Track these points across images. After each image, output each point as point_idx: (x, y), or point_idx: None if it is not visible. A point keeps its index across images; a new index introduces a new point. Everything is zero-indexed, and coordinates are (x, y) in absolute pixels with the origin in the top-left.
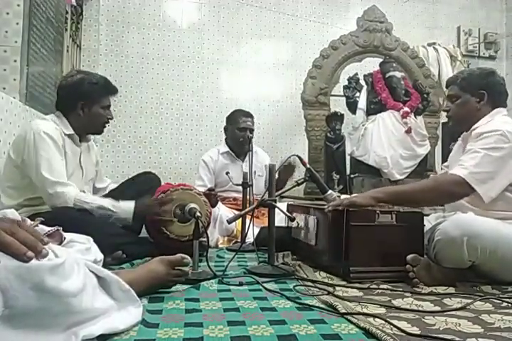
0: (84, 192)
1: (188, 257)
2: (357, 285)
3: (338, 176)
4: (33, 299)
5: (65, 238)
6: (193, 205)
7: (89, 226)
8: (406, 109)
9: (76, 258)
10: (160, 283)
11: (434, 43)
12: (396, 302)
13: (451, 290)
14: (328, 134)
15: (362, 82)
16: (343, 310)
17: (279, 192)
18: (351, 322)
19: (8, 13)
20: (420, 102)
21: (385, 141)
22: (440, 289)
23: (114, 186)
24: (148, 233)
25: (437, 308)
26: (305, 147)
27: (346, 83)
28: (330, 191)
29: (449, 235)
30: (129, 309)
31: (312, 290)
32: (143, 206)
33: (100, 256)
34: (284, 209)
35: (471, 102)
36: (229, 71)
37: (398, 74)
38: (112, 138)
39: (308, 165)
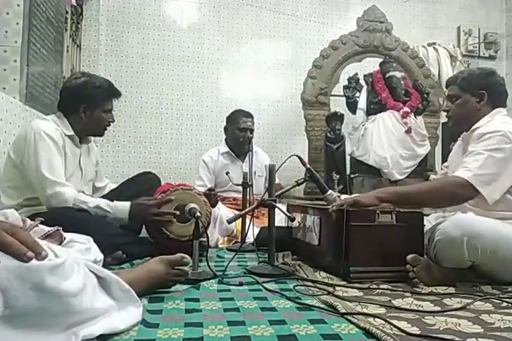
0: (83, 192)
1: (188, 257)
2: (357, 285)
3: (338, 176)
4: (33, 299)
5: (65, 238)
6: (193, 205)
7: (89, 226)
8: (406, 109)
9: (76, 258)
10: (160, 282)
11: (434, 43)
12: (396, 302)
13: (451, 290)
14: (328, 134)
15: (362, 82)
16: (343, 310)
17: (279, 192)
18: (351, 322)
19: (8, 13)
20: (420, 102)
21: (385, 141)
22: (440, 289)
23: (114, 186)
24: (148, 233)
25: (437, 308)
26: (305, 147)
27: (346, 83)
28: (330, 191)
29: (449, 235)
30: (129, 309)
31: (312, 290)
32: (139, 206)
33: (100, 256)
34: (284, 209)
35: (471, 102)
36: (229, 71)
37: (398, 74)
38: (112, 138)
39: (308, 165)
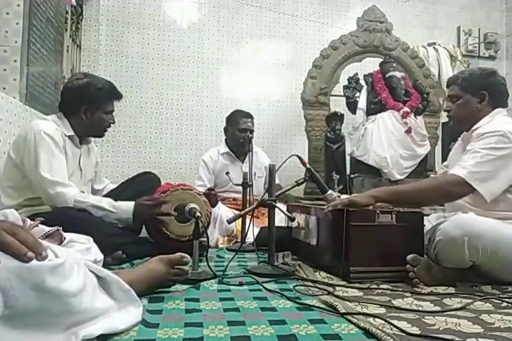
0: (83, 192)
1: (188, 256)
2: (357, 285)
3: (338, 176)
4: (33, 299)
5: (65, 238)
6: (193, 205)
7: (89, 226)
8: (406, 109)
9: (76, 258)
10: (160, 282)
11: (434, 43)
12: (396, 302)
13: (451, 290)
14: (328, 134)
15: (362, 82)
16: (343, 310)
17: (279, 192)
18: (351, 322)
19: (8, 13)
20: (420, 102)
21: (385, 141)
22: (440, 289)
23: (113, 186)
24: (148, 233)
25: (437, 308)
26: (305, 147)
27: (346, 83)
28: (330, 191)
29: (450, 235)
30: (129, 309)
31: (312, 290)
32: (141, 206)
33: (100, 256)
34: (284, 209)
35: (473, 103)
36: (229, 71)
37: (398, 74)
38: (112, 138)
39: (308, 165)
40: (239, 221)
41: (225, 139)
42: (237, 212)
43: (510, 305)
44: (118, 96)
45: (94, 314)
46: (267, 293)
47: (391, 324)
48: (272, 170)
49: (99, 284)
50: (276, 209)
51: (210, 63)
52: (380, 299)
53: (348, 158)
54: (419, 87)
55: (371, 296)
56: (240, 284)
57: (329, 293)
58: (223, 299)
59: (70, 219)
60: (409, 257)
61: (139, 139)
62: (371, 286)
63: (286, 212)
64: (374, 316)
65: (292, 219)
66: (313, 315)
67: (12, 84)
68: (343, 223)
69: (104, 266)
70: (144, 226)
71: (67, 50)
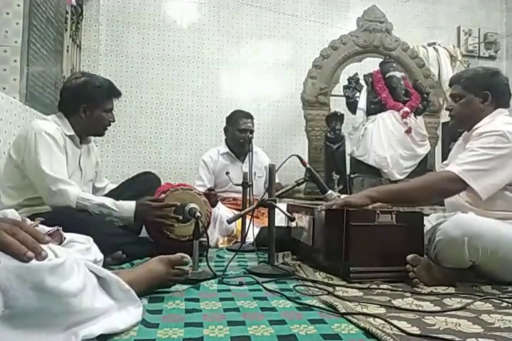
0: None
1: (188, 256)
2: (357, 285)
3: (338, 176)
4: (33, 299)
5: (65, 238)
6: (193, 205)
7: (89, 226)
8: (406, 109)
9: (76, 258)
10: (160, 282)
11: (434, 43)
12: (396, 302)
13: (451, 290)
14: (328, 134)
15: (362, 82)
16: (343, 310)
17: (279, 192)
18: (351, 322)
19: (8, 13)
20: (420, 102)
21: (385, 141)
22: (440, 289)
23: (113, 186)
24: (148, 233)
25: (437, 308)
26: (305, 147)
27: (346, 83)
28: (330, 191)
29: (450, 235)
30: (129, 309)
31: (312, 290)
32: (143, 206)
33: (100, 256)
34: (284, 209)
35: (475, 102)
36: (229, 71)
37: (398, 74)
38: (112, 138)
39: (308, 165)
40: (239, 221)
41: (225, 139)
42: (237, 212)
43: (510, 305)
44: (117, 94)
45: (94, 314)
46: (267, 293)
47: (391, 324)
48: (271, 170)
49: (99, 284)
50: (276, 209)
51: (210, 63)
52: (380, 299)
53: (348, 158)
54: (419, 87)
55: (371, 296)
56: (240, 284)
57: (329, 293)
58: (223, 299)
59: (70, 219)
60: (409, 257)
61: (139, 139)
62: (371, 286)
63: (286, 212)
64: (374, 316)
65: (292, 219)
66: (313, 315)
67: (12, 84)
68: (343, 223)
69: (104, 266)
70: (143, 226)
71: (67, 50)
